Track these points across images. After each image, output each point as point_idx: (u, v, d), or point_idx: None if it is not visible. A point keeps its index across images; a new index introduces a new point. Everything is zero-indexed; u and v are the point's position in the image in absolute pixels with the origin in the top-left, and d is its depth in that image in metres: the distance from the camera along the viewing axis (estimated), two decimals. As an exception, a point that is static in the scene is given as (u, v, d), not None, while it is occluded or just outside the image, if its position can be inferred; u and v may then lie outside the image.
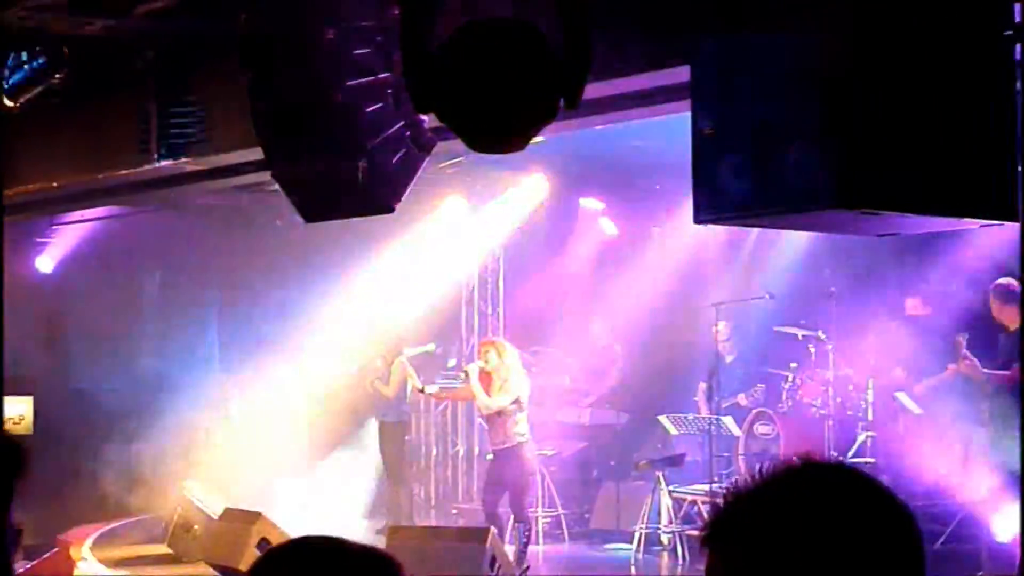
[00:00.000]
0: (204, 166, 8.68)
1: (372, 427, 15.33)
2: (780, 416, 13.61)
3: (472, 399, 12.86)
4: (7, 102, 8.41)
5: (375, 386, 14.96)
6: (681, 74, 5.14)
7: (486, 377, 12.47)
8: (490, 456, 12.70)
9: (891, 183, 4.37)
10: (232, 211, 15.56)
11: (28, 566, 14.09)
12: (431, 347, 15.83)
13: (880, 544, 1.90)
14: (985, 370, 11.45)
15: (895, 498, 1.98)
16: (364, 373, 15.21)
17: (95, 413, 15.89)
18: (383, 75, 5.61)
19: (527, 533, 12.28)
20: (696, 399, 14.74)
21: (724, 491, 2.02)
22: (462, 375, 12.93)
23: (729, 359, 14.99)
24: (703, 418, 14.16)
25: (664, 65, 5.75)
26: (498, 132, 5.26)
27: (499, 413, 12.29)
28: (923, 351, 12.84)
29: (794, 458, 1.94)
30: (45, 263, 16.37)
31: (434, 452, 17.91)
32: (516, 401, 12.26)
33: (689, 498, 13.91)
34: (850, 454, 12.82)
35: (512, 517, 12.26)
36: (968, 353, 11.55)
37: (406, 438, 15.78)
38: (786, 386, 13.96)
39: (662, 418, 14.56)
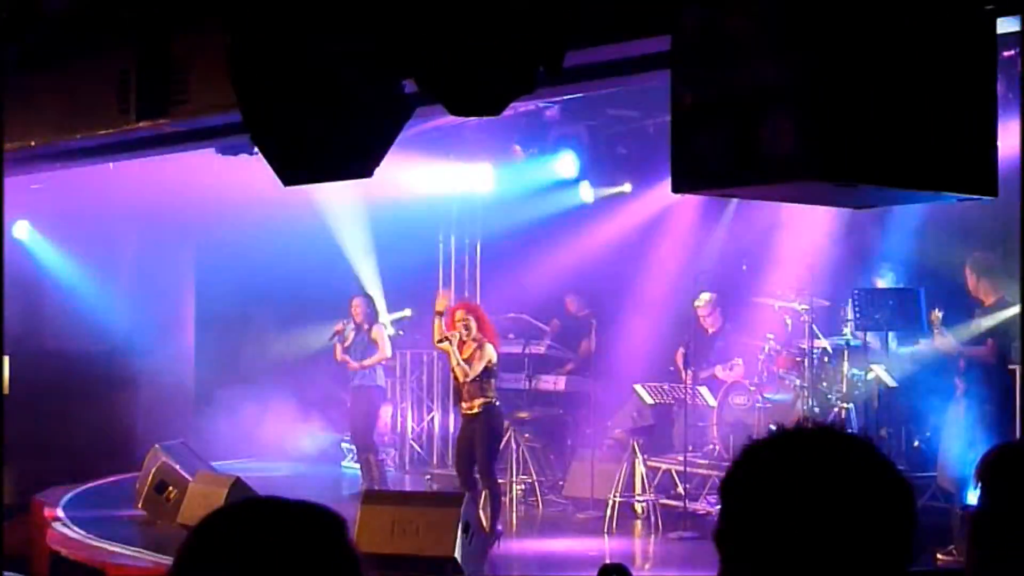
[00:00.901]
0: (183, 128, 8.62)
1: (346, 390, 15.30)
2: (756, 387, 13.65)
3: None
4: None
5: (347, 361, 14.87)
6: (661, 43, 5.13)
7: (459, 342, 12.47)
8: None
9: (870, 155, 4.38)
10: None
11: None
12: (407, 312, 15.83)
13: (877, 512, 1.90)
14: (960, 345, 11.48)
15: (889, 463, 1.98)
16: (338, 338, 15.18)
17: (70, 374, 15.85)
18: (364, 39, 5.58)
19: (496, 497, 12.27)
20: (672, 368, 14.77)
21: (722, 489, 2.00)
22: (447, 340, 12.70)
23: (711, 331, 14.99)
24: (679, 387, 14.17)
25: (645, 34, 5.72)
26: (478, 99, 5.26)
27: (472, 378, 12.30)
28: (898, 323, 12.87)
29: (771, 427, 1.95)
30: (21, 225, 16.25)
31: (409, 417, 17.94)
32: (488, 366, 12.27)
33: (663, 467, 13.95)
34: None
35: (480, 482, 12.26)
36: (944, 328, 11.57)
37: (380, 403, 15.75)
38: (762, 357, 13.99)
39: (638, 387, 14.58)
